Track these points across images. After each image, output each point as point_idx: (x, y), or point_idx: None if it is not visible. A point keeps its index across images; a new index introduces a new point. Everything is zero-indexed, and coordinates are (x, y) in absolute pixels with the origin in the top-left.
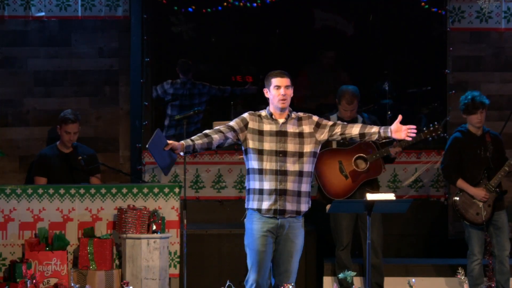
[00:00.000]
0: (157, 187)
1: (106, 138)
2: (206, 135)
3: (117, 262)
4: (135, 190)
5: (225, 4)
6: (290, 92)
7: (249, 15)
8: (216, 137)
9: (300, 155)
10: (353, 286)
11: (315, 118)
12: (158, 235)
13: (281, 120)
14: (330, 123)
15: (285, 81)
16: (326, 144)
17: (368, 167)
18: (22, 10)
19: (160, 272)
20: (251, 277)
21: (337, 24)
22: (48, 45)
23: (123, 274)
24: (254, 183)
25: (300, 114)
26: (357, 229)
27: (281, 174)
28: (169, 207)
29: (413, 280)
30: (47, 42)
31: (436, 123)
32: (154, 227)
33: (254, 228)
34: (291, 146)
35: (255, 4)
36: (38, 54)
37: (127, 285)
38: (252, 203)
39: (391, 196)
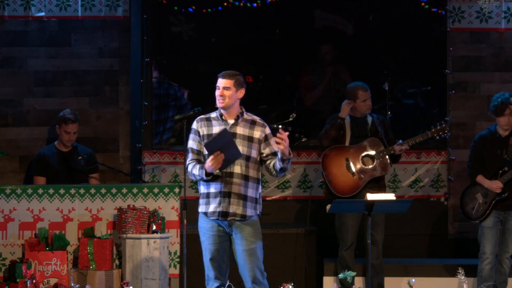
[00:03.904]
0: (157, 187)
1: (106, 138)
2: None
3: (117, 262)
4: (135, 190)
5: (225, 4)
6: (230, 93)
7: (249, 15)
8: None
9: (247, 158)
10: (354, 286)
11: (267, 130)
12: (158, 235)
13: (230, 121)
14: (273, 142)
15: (224, 82)
16: (334, 141)
17: (375, 164)
18: (22, 10)
19: (160, 272)
20: (210, 275)
21: (337, 25)
22: (48, 45)
23: (123, 274)
24: (203, 188)
25: (256, 118)
26: (361, 229)
27: (226, 176)
28: (169, 207)
29: (413, 280)
30: (47, 42)
31: (443, 122)
32: (154, 227)
33: (205, 228)
34: (239, 148)
35: (255, 4)
36: (38, 54)
37: (127, 285)
38: (201, 207)
39: (391, 196)
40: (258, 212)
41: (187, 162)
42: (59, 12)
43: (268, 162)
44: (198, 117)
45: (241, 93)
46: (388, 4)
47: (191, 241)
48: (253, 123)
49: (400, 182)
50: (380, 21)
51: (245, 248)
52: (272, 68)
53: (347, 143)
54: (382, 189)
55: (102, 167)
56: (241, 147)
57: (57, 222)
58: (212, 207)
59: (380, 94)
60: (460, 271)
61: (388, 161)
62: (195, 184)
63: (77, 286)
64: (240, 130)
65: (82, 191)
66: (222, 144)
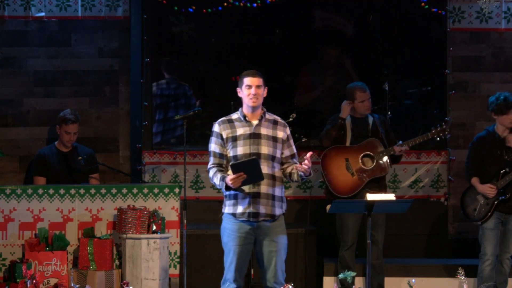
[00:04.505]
0: (157, 187)
1: (106, 138)
2: (221, 171)
3: (117, 262)
4: (135, 190)
5: (225, 4)
6: (261, 91)
7: (249, 15)
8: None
9: (272, 158)
10: (354, 286)
11: (288, 130)
12: (158, 235)
13: (254, 122)
14: (292, 142)
15: (256, 80)
16: (335, 141)
17: (375, 165)
18: (22, 10)
19: (160, 272)
20: (228, 276)
21: (337, 24)
22: (48, 45)
23: (123, 274)
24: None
25: (277, 118)
26: (361, 229)
27: None
28: (169, 207)
29: (413, 280)
30: (47, 42)
31: (443, 123)
32: (154, 227)
33: (231, 229)
34: (264, 149)
35: (255, 4)
36: (38, 54)
37: (127, 285)
38: (227, 208)
39: (391, 196)
40: (283, 211)
41: (209, 166)
42: (59, 12)
43: (285, 166)
44: (219, 120)
45: (265, 91)
46: (388, 4)
47: (191, 241)
48: (275, 123)
49: (400, 182)
50: (380, 21)
51: (272, 249)
52: (272, 68)
53: (347, 144)
54: (383, 189)
55: (102, 167)
56: (267, 147)
57: (57, 222)
58: (241, 208)
59: (380, 94)
60: (460, 272)
61: (388, 161)
62: (195, 184)
63: (77, 286)
64: (264, 130)
65: (82, 191)
66: (248, 169)
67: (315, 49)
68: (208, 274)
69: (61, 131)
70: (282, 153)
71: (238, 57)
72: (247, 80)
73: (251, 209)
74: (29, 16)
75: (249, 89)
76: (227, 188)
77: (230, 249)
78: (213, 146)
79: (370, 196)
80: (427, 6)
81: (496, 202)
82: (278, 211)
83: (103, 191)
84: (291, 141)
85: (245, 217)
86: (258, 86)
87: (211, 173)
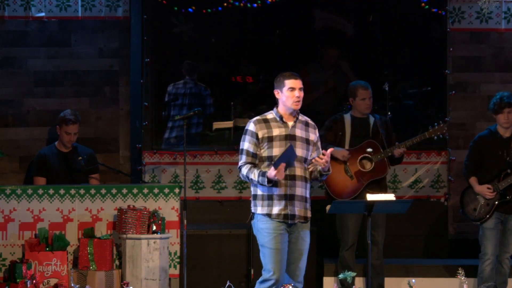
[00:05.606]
0: (157, 188)
1: (106, 138)
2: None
3: (117, 262)
4: (135, 191)
5: (225, 4)
6: (303, 93)
7: (249, 15)
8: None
9: (305, 160)
10: (354, 287)
11: (317, 132)
12: (158, 235)
13: (290, 123)
14: (319, 144)
15: (299, 83)
16: (334, 143)
17: (374, 167)
18: (22, 11)
19: (160, 272)
20: (271, 276)
21: (337, 25)
22: (48, 45)
23: (123, 275)
24: (262, 189)
25: (308, 119)
26: (362, 229)
27: (290, 179)
28: (169, 208)
29: (413, 280)
30: (47, 42)
31: (440, 122)
32: (154, 228)
33: (269, 227)
34: (299, 151)
35: (255, 4)
36: (38, 54)
37: (127, 286)
38: (261, 209)
39: (391, 197)
40: (310, 212)
41: (240, 164)
42: (59, 13)
43: (309, 167)
44: (254, 119)
45: None
46: (388, 4)
47: (191, 241)
48: (307, 125)
49: (400, 182)
50: (380, 21)
51: (300, 248)
52: (272, 68)
53: (346, 144)
54: (383, 190)
55: (102, 167)
56: (301, 150)
57: (57, 222)
58: (276, 209)
59: (380, 94)
60: (460, 272)
61: (387, 163)
62: (195, 184)
63: (77, 286)
64: (298, 132)
65: (82, 191)
66: (287, 159)
67: (315, 49)
68: (208, 274)
69: (61, 132)
70: (311, 155)
71: (238, 57)
72: (290, 83)
73: (287, 211)
74: (29, 16)
75: (293, 92)
76: (269, 181)
77: (271, 249)
78: (247, 144)
79: (370, 196)
80: (427, 6)
81: (496, 203)
82: (309, 213)
83: (103, 191)
84: (319, 143)
85: (280, 219)
86: (300, 89)
87: (244, 170)
